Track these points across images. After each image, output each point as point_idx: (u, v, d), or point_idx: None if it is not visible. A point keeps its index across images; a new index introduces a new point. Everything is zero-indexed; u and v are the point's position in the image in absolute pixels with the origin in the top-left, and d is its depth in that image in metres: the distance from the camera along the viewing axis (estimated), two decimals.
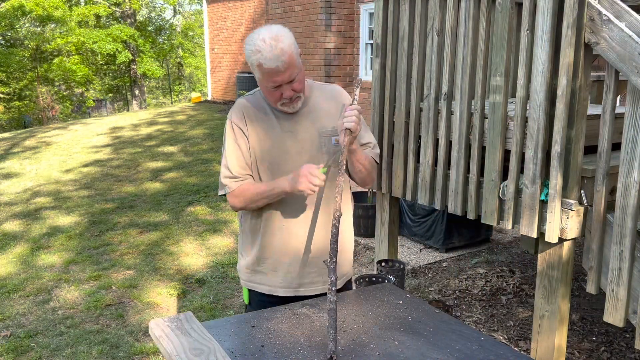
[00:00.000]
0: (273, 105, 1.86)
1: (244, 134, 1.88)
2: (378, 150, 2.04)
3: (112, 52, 20.41)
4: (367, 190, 5.33)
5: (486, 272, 4.34)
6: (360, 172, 1.93)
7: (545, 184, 2.51)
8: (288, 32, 1.76)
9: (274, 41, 1.70)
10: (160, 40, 25.34)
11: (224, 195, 1.93)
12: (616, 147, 2.32)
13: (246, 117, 1.89)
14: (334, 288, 1.57)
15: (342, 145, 1.75)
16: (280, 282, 1.96)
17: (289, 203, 1.89)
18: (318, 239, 1.93)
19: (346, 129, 1.74)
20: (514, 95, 3.40)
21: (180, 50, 26.60)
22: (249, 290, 2.04)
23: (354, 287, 2.68)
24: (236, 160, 1.89)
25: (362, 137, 1.97)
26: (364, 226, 5.06)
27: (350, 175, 1.99)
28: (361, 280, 3.39)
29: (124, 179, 7.31)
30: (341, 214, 1.69)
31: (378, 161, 2.04)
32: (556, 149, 2.43)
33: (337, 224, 1.65)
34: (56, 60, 20.81)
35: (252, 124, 1.88)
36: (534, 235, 2.56)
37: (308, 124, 1.89)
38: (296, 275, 1.95)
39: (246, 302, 2.09)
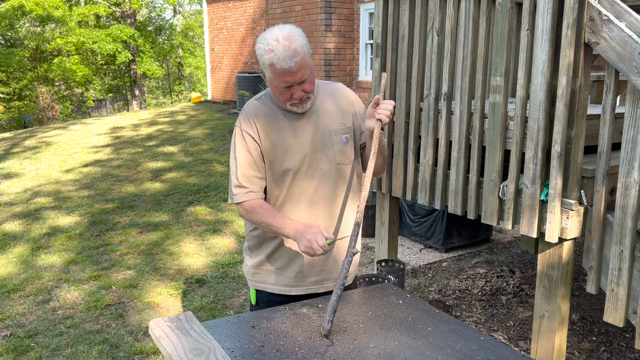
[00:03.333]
0: (282, 105, 1.86)
1: (255, 140, 1.87)
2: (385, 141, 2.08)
3: (112, 52, 20.38)
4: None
5: (486, 272, 4.34)
6: (379, 159, 1.94)
7: (545, 184, 2.51)
8: (301, 33, 1.75)
9: (288, 41, 1.70)
10: (160, 40, 25.30)
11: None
12: (616, 147, 2.32)
13: (256, 122, 1.88)
14: (343, 276, 1.65)
15: (374, 134, 1.80)
16: (292, 281, 1.96)
17: (303, 202, 1.90)
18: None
19: (378, 119, 1.78)
20: (514, 95, 3.40)
21: (180, 50, 26.57)
22: (257, 290, 2.03)
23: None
24: (246, 169, 1.87)
25: None
26: (364, 226, 5.06)
27: (364, 164, 2.01)
28: (361, 280, 3.39)
29: (124, 179, 7.31)
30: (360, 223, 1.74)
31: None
32: (556, 149, 2.43)
33: (357, 231, 1.73)
34: (56, 60, 20.77)
35: (262, 128, 1.87)
36: (534, 235, 2.56)
37: (312, 123, 1.90)
38: (309, 274, 1.95)
39: (253, 302, 2.07)
